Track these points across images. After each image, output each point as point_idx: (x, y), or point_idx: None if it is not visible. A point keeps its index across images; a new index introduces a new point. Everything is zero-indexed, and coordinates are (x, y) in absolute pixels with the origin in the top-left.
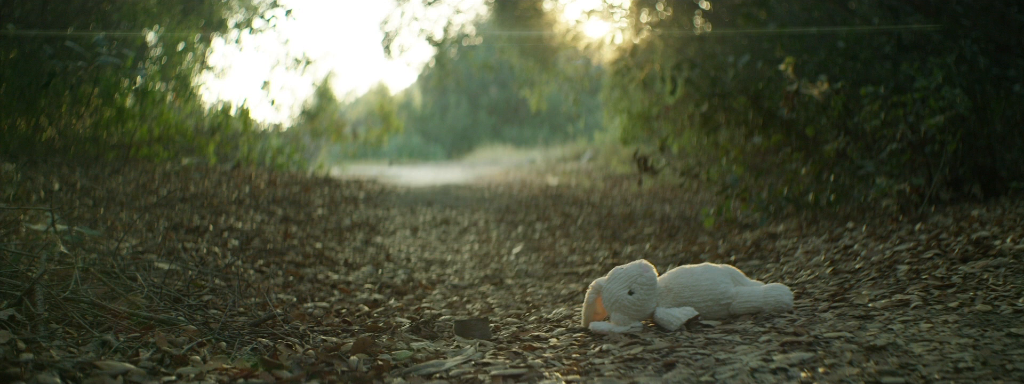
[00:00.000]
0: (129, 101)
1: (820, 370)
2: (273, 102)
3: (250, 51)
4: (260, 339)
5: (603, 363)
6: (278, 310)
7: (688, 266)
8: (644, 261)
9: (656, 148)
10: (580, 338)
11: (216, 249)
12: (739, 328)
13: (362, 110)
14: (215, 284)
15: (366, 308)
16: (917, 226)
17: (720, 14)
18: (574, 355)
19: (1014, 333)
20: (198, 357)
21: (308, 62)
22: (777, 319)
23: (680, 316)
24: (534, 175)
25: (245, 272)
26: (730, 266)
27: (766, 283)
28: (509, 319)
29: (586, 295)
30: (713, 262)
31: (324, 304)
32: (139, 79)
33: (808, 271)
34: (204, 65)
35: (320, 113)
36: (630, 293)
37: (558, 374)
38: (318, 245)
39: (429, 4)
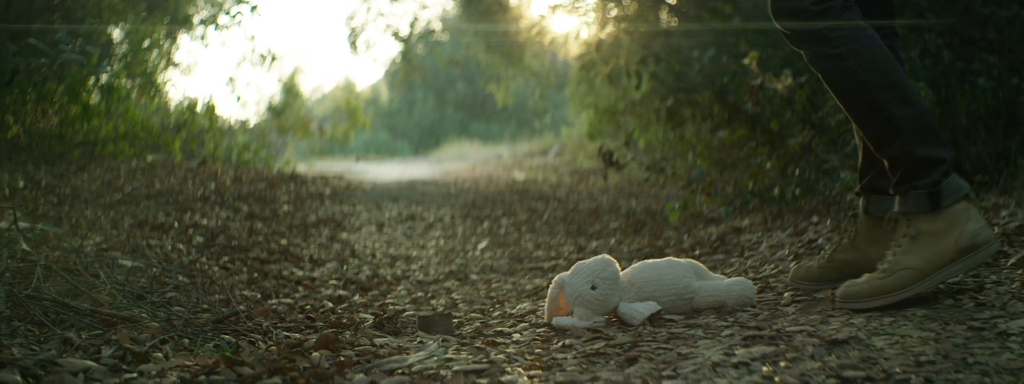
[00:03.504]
0: (95, 98)
1: (781, 364)
2: (239, 98)
3: (216, 48)
4: (223, 336)
5: (566, 358)
6: (241, 307)
7: (651, 261)
8: (607, 256)
9: (622, 143)
10: (543, 333)
11: (181, 246)
12: (702, 322)
13: (329, 106)
14: (179, 281)
15: (330, 304)
16: None
17: (686, 9)
18: (537, 350)
19: (975, 327)
20: (160, 354)
21: (274, 58)
22: (740, 313)
23: (643, 311)
24: (501, 170)
25: (209, 269)
26: (693, 260)
27: (730, 277)
28: (473, 314)
29: (549, 290)
30: (678, 256)
31: (288, 300)
32: (104, 76)
33: (772, 265)
34: (170, 62)
35: (286, 109)
36: (593, 288)
37: (520, 369)
38: (283, 241)
39: (395, 0)
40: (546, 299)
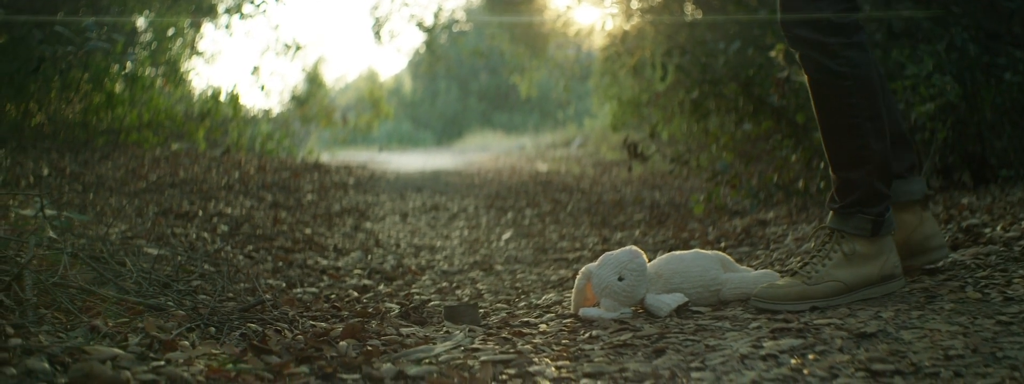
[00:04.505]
0: (119, 86)
1: (810, 357)
2: (263, 88)
3: (240, 36)
4: (249, 324)
5: (593, 349)
6: (267, 295)
7: (678, 252)
8: (634, 247)
9: (646, 135)
10: (569, 324)
11: (205, 234)
12: (729, 314)
13: (352, 96)
14: (204, 269)
15: (355, 294)
16: None
17: (711, 1)
18: (564, 341)
19: (1004, 321)
20: (187, 342)
21: (298, 48)
22: None
23: (670, 302)
24: (524, 161)
25: (234, 257)
26: (720, 253)
27: (756, 270)
28: (499, 305)
29: (576, 281)
30: (703, 248)
31: (313, 290)
32: (129, 64)
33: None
34: (194, 50)
35: (310, 99)
36: (620, 279)
37: (548, 360)
38: (307, 231)
39: None
40: (573, 290)
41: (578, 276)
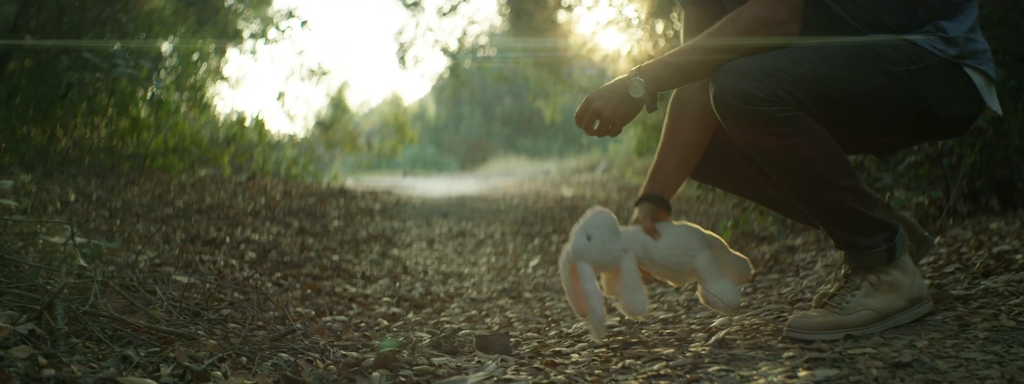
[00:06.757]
0: (144, 111)
1: None
2: (288, 113)
3: (265, 62)
4: (281, 354)
5: (626, 379)
6: (298, 324)
7: (667, 223)
8: (599, 206)
9: None
10: (602, 354)
11: (233, 261)
12: (763, 344)
13: (376, 121)
14: (234, 297)
15: (385, 322)
16: (937, 239)
17: None
18: (597, 371)
19: None
20: (219, 372)
21: (323, 73)
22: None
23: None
24: (549, 186)
25: (263, 285)
26: (715, 235)
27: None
28: (529, 334)
29: (560, 269)
30: None
31: (343, 318)
32: (154, 89)
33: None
34: (219, 75)
35: (334, 124)
36: (588, 238)
37: None
38: (335, 257)
39: (444, 15)
40: (562, 283)
41: (560, 264)
